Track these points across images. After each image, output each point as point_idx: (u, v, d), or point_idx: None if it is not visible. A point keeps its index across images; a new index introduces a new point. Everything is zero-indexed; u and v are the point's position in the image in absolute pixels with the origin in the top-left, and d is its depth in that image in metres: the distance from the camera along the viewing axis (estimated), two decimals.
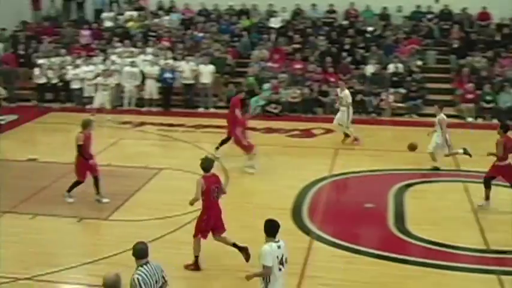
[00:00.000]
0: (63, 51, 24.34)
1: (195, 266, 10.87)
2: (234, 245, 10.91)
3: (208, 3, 27.39)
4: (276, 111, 22.14)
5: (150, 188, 15.10)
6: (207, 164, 10.69)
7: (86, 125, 13.71)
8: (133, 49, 24.55)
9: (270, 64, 23.77)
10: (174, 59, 23.81)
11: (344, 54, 24.02)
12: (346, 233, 12.52)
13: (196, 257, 10.89)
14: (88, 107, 21.67)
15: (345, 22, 25.93)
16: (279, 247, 8.25)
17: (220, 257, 11.19)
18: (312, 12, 26.72)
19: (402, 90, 22.57)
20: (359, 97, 21.89)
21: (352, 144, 18.36)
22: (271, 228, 8.31)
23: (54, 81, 23.50)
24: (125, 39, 25.16)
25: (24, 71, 24.90)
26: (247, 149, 16.19)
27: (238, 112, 16.32)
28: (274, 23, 26.22)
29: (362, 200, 13.97)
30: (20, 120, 21.28)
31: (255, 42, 25.43)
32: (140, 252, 7.69)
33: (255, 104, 22.06)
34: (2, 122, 19.92)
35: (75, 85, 23.09)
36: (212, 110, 22.59)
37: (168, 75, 22.89)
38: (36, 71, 23.37)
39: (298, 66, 23.56)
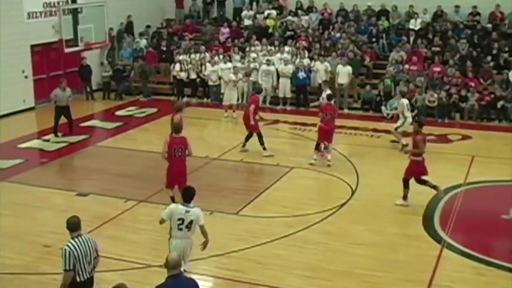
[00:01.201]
0: (202, 48, 25.00)
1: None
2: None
3: (347, 4, 27.13)
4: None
5: (281, 185, 15.23)
6: (174, 127, 12.70)
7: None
8: (270, 48, 24.86)
9: (407, 66, 23.29)
10: (311, 58, 23.87)
11: (486, 58, 23.11)
12: (479, 244, 12.10)
13: (172, 197, 12.58)
14: (224, 103, 22.15)
15: (489, 25, 24.87)
16: (187, 211, 9.43)
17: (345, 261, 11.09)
18: (454, 15, 25.88)
19: None
20: (500, 104, 21.03)
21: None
22: (186, 195, 9.61)
23: (193, 77, 24.26)
24: (263, 37, 25.50)
25: (165, 66, 25.91)
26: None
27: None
28: (414, 24, 25.65)
29: (498, 210, 13.39)
30: (159, 113, 22.06)
31: (393, 43, 25.03)
32: (73, 225, 8.28)
33: (390, 107, 21.69)
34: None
35: (212, 81, 23.73)
36: (346, 111, 22.39)
37: (301, 74, 22.95)
38: (177, 66, 24.17)
39: (436, 69, 22.92)
